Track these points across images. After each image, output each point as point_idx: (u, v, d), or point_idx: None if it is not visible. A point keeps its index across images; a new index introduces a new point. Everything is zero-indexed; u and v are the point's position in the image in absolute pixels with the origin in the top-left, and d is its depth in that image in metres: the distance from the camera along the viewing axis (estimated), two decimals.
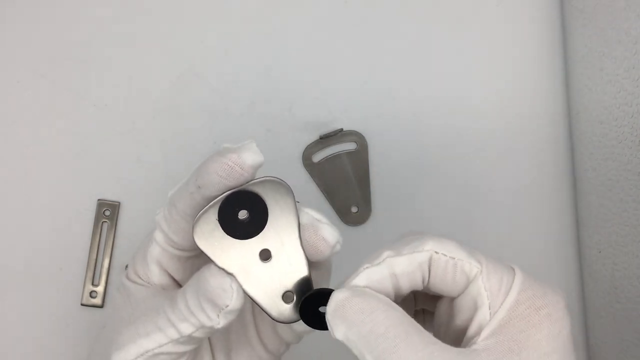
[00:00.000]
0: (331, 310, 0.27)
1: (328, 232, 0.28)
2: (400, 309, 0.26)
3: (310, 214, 0.28)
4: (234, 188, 0.27)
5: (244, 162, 0.27)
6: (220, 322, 0.27)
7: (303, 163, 0.46)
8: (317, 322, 0.29)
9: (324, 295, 0.28)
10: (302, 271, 0.29)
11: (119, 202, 0.45)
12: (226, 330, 0.33)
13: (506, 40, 0.49)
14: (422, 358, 0.24)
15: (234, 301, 0.27)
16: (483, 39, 0.48)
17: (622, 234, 0.40)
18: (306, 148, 0.46)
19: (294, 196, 0.28)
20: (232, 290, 0.27)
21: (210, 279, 0.27)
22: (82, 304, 0.44)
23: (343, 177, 0.46)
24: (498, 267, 0.26)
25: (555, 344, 0.25)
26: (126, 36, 0.47)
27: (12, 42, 0.46)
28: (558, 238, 0.48)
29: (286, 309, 0.29)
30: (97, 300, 0.44)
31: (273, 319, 0.28)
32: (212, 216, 0.27)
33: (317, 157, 0.46)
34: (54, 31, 0.46)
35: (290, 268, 0.28)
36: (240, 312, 0.33)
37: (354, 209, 0.46)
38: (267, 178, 0.28)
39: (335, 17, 0.48)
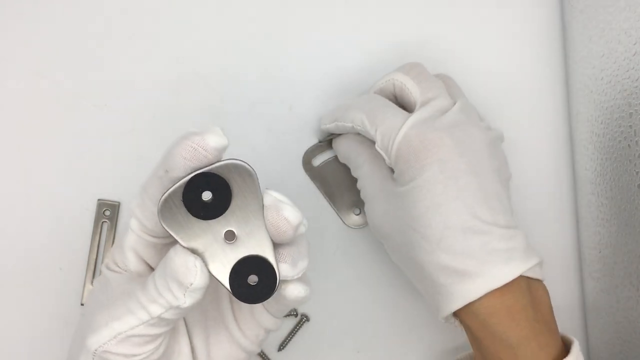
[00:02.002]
0: (333, 144, 0.44)
1: (290, 212, 0.29)
2: (366, 144, 0.41)
3: (273, 195, 0.29)
4: (198, 170, 0.28)
5: (207, 144, 0.28)
6: (186, 301, 0.28)
7: (303, 167, 0.46)
8: (246, 293, 0.29)
9: (253, 264, 0.29)
10: (266, 252, 0.29)
11: (119, 202, 0.45)
12: (204, 316, 0.34)
13: (506, 40, 0.49)
14: (366, 176, 0.40)
15: (197, 279, 0.28)
16: (483, 39, 0.48)
17: (622, 234, 0.40)
18: (305, 153, 0.46)
19: (257, 178, 0.29)
20: (196, 268, 0.28)
21: (175, 258, 0.28)
22: (82, 304, 0.44)
23: (344, 180, 0.46)
24: (387, 131, 0.37)
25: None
26: (126, 36, 0.47)
27: (12, 42, 0.46)
28: (558, 238, 0.48)
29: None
30: None
31: (237, 299, 0.29)
32: (177, 197, 0.28)
33: (317, 161, 0.46)
34: (54, 31, 0.46)
35: (255, 249, 0.29)
36: (217, 298, 0.34)
37: (355, 212, 0.46)
38: (231, 161, 0.28)
39: (335, 17, 0.48)
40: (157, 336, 0.30)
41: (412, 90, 0.38)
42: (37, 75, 0.46)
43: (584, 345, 0.47)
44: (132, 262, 0.32)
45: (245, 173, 0.28)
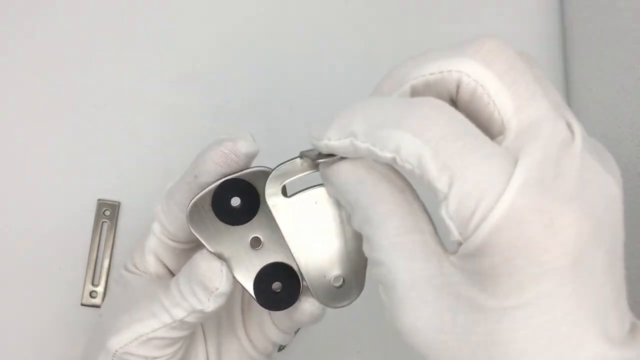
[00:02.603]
0: (323, 170, 0.25)
1: None
2: (395, 183, 0.23)
3: None
4: (228, 176, 0.28)
5: (239, 150, 0.28)
6: (210, 305, 0.28)
7: (265, 194, 0.28)
8: (269, 300, 0.29)
9: (278, 271, 0.29)
10: (290, 260, 0.29)
11: (119, 202, 0.45)
12: (218, 324, 0.34)
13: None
14: (392, 244, 0.22)
15: (223, 284, 0.28)
16: None
17: None
18: (272, 174, 0.27)
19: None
20: (222, 273, 0.28)
21: (201, 263, 0.28)
22: (82, 304, 0.44)
23: (328, 227, 0.28)
24: (472, 192, 0.20)
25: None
26: (126, 36, 0.47)
27: (12, 42, 0.46)
28: None
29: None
30: (97, 300, 0.44)
31: (261, 305, 0.29)
32: (206, 202, 0.28)
33: (291, 189, 0.28)
34: (53, 31, 0.46)
35: (279, 256, 0.29)
36: (230, 307, 0.34)
37: (336, 281, 0.29)
38: (261, 168, 0.29)
39: (335, 17, 0.48)
40: (177, 339, 0.30)
41: (500, 101, 0.21)
42: (37, 75, 0.46)
43: None
44: (152, 265, 0.32)
45: None
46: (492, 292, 0.20)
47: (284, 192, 0.28)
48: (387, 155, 0.21)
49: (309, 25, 0.48)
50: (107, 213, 0.45)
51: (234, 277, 0.29)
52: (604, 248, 0.21)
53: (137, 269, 0.32)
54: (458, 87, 0.22)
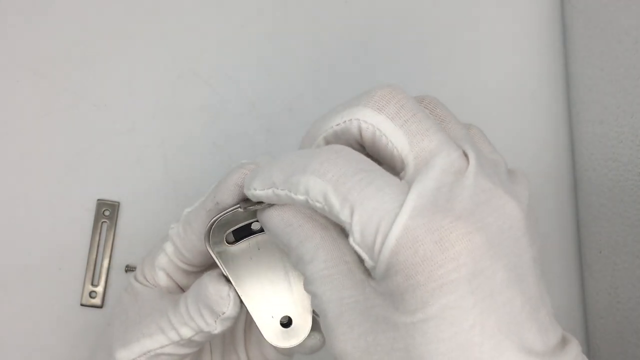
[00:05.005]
0: (259, 217, 0.27)
1: None
2: (319, 222, 0.25)
3: None
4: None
5: None
6: (217, 328, 0.29)
7: (207, 245, 0.29)
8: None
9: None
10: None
11: (119, 202, 0.45)
12: (222, 339, 0.34)
13: (506, 41, 0.49)
14: (322, 276, 0.24)
15: (230, 309, 0.28)
16: (483, 39, 0.48)
17: (622, 234, 0.40)
18: (213, 224, 0.28)
19: None
20: (229, 298, 0.28)
21: (209, 286, 0.28)
22: (81, 304, 0.44)
23: (271, 271, 0.30)
24: (371, 219, 0.22)
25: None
26: (126, 36, 0.47)
27: (12, 42, 0.46)
28: (558, 238, 0.48)
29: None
30: (97, 301, 0.44)
31: (263, 336, 0.29)
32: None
33: (232, 236, 0.29)
34: (54, 31, 0.46)
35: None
36: (233, 324, 0.34)
37: (283, 319, 0.29)
38: None
39: (335, 16, 0.48)
40: (185, 355, 0.30)
41: (395, 139, 0.24)
42: (37, 74, 0.46)
43: (584, 345, 0.47)
44: (163, 280, 0.32)
45: None
46: (402, 309, 0.22)
47: (229, 240, 0.29)
48: (300, 197, 0.24)
49: (309, 25, 0.48)
50: (107, 213, 0.44)
51: (241, 302, 0.29)
52: (502, 263, 0.22)
53: (147, 281, 0.32)
54: (360, 133, 0.24)
